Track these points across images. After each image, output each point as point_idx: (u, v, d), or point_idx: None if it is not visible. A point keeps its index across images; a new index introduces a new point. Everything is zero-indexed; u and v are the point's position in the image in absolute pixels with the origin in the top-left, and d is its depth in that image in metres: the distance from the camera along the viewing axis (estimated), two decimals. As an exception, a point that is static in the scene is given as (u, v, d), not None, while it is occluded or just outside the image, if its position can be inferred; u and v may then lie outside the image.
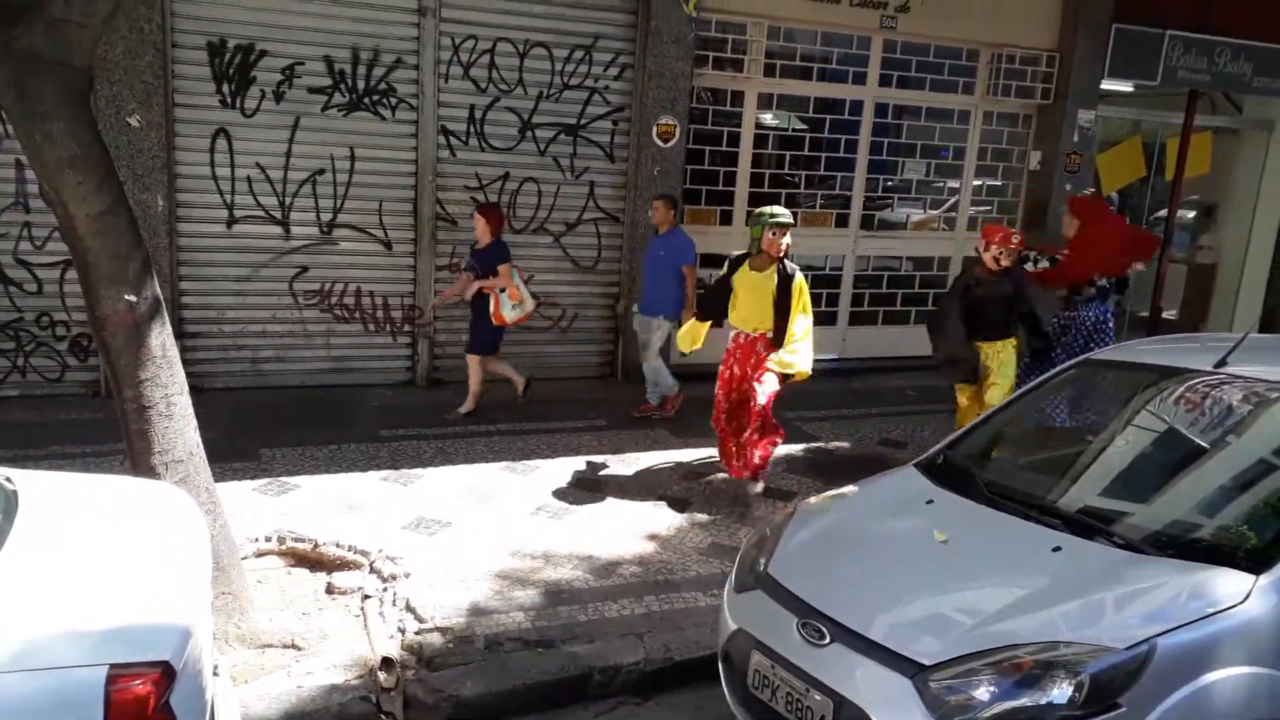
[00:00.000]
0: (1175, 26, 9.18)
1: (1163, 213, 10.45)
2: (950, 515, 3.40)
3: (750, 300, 5.60)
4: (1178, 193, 10.18)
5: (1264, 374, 3.57)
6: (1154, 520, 3.27)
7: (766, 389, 5.46)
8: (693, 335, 5.89)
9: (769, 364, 5.49)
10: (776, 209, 5.60)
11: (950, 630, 2.86)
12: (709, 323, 5.88)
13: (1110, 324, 6.45)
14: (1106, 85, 9.21)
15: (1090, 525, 3.22)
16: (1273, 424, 3.47)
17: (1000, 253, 5.57)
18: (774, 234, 5.47)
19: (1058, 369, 4.25)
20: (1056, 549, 3.08)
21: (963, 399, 5.88)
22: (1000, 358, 5.68)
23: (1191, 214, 11.08)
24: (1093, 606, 2.83)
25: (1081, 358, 4.22)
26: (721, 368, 5.82)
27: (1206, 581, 2.82)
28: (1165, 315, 10.61)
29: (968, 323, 5.65)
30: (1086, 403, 4.39)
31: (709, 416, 6.00)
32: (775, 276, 5.51)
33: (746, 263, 5.61)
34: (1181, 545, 3.07)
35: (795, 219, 8.49)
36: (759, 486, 5.76)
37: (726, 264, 5.78)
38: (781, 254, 5.53)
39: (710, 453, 6.24)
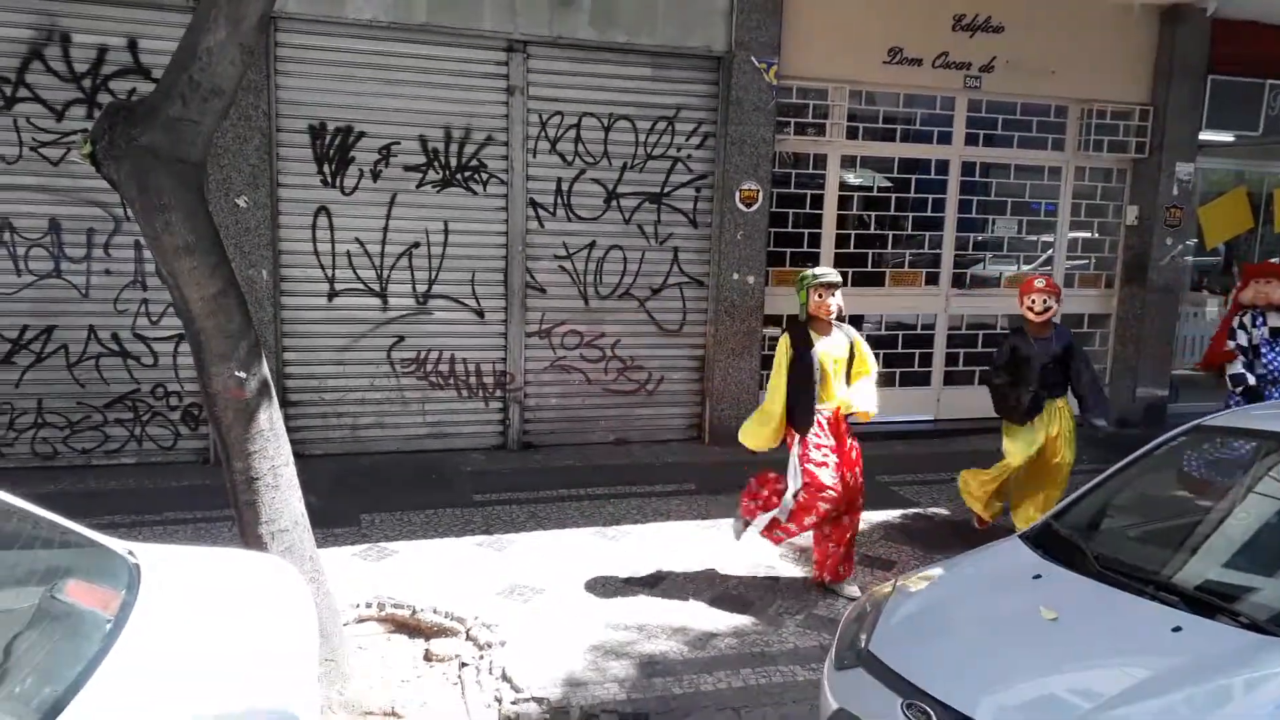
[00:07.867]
0: (1275, 75, 8.90)
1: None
2: (1059, 591, 3.27)
3: (831, 373, 5.10)
4: (1289, 244, 9.79)
5: (1395, 440, 3.38)
6: (1281, 598, 3.10)
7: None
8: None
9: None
10: (821, 269, 5.17)
11: (1064, 714, 2.73)
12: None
13: None
14: (1205, 136, 8.95)
15: (1211, 603, 3.06)
16: None
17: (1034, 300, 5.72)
18: (819, 295, 5.00)
19: (1167, 435, 4.09)
20: (1176, 629, 2.93)
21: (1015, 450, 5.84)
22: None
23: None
24: (1219, 693, 2.68)
25: (1193, 424, 4.05)
26: (818, 455, 5.00)
27: (1344, 666, 2.64)
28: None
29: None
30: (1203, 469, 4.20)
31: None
32: (847, 344, 5.15)
33: (810, 333, 5.07)
34: (1314, 625, 2.89)
35: (883, 279, 8.59)
36: (854, 588, 5.21)
37: (788, 339, 5.08)
38: (834, 317, 5.09)
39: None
